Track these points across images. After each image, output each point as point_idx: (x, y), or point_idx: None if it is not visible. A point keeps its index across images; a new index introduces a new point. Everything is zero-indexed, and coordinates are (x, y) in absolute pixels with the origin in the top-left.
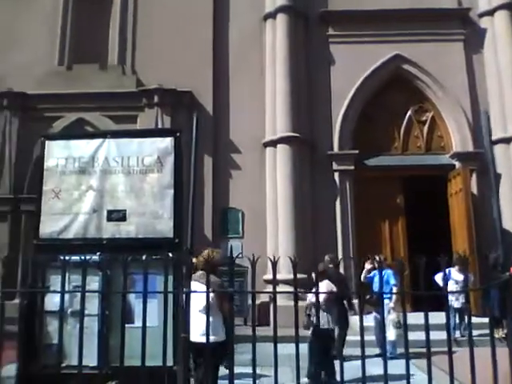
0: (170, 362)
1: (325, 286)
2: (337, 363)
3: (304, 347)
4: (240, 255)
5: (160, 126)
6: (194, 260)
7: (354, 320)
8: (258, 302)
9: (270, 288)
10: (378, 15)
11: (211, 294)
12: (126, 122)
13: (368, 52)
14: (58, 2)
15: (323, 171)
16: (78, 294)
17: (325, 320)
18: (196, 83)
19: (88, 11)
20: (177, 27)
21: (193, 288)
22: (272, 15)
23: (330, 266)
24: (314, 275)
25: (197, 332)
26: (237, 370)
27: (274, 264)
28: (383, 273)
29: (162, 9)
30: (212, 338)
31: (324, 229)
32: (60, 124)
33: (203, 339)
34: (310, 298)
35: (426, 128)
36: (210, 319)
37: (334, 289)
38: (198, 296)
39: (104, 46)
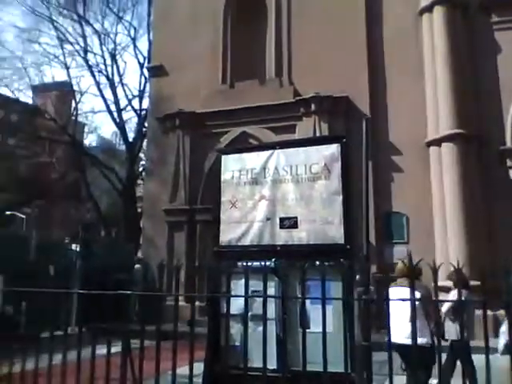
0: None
1: (452, 295)
2: None
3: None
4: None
5: (318, 133)
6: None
7: None
8: None
9: (441, 296)
10: None
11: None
12: (286, 132)
13: None
14: (219, 26)
15: (495, 168)
16: (256, 299)
17: (452, 330)
18: (352, 87)
19: (245, 32)
20: (330, 34)
21: (397, 293)
22: (428, 9)
23: None
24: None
25: (402, 334)
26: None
27: (459, 271)
28: None
29: (314, 18)
30: (419, 341)
31: (502, 230)
32: (226, 138)
33: (409, 341)
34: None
35: None
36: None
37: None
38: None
39: (262, 61)
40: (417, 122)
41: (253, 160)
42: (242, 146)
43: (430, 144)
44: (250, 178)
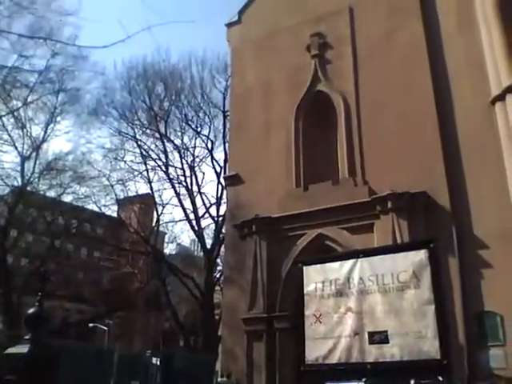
0: None
1: None
2: None
3: None
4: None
5: (397, 231)
6: None
7: None
8: None
9: None
10: None
11: None
12: (363, 232)
13: None
14: (290, 132)
15: None
16: None
17: None
18: (429, 182)
19: (316, 135)
20: (401, 130)
21: None
22: (500, 97)
23: None
24: None
25: None
26: None
27: None
28: None
29: (383, 116)
30: None
31: None
32: (303, 241)
33: None
34: None
35: None
36: None
37: None
38: None
39: (334, 163)
40: (501, 211)
41: (336, 270)
42: (319, 248)
43: None
44: (335, 290)
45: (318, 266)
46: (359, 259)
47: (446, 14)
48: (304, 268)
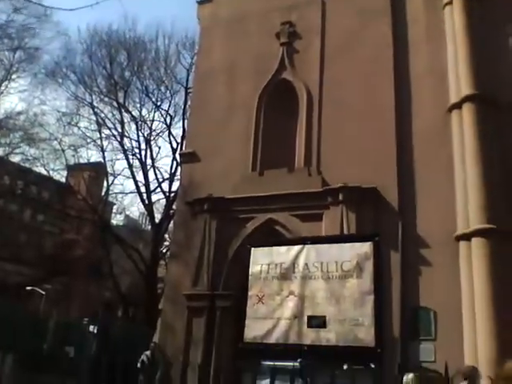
0: None
1: None
2: None
3: None
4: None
5: (345, 223)
6: None
7: None
8: None
9: None
10: None
11: None
12: (313, 220)
13: None
14: (251, 115)
15: None
16: None
17: None
18: (380, 179)
19: (277, 123)
20: (359, 127)
21: None
22: (457, 105)
23: None
24: None
25: None
26: None
27: None
28: None
29: (344, 111)
30: None
31: None
32: (252, 224)
33: None
34: None
35: None
36: None
37: None
38: None
39: (291, 151)
40: (446, 215)
41: (282, 254)
42: (268, 232)
43: (459, 238)
44: (279, 273)
45: (266, 248)
46: (306, 245)
47: (414, 22)
48: (252, 249)
